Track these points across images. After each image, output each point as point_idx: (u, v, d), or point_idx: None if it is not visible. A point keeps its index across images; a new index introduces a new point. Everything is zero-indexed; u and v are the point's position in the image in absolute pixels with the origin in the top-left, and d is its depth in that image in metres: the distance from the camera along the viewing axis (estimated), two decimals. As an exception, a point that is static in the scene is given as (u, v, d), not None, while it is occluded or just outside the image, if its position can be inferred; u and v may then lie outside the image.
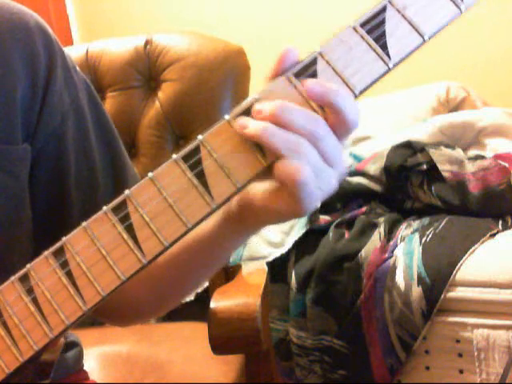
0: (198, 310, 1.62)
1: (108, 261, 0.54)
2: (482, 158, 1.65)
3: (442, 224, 1.55)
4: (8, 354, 0.55)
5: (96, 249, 0.54)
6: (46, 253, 0.55)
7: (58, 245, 0.54)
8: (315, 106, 0.53)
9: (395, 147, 1.71)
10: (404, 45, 0.53)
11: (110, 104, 1.30)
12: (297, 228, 1.66)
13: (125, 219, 0.54)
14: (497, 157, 1.67)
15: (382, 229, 1.56)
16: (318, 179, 0.53)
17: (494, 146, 1.78)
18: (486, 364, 1.40)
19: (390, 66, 0.53)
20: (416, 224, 1.58)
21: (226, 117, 0.54)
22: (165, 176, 0.53)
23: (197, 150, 0.53)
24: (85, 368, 0.87)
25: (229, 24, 2.43)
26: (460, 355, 1.44)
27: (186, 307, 1.68)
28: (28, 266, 0.55)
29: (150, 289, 0.71)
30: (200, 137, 0.53)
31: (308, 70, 0.53)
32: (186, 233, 0.54)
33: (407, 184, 1.67)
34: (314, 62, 0.53)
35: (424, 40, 0.53)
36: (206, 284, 1.66)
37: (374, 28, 0.53)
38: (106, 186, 0.73)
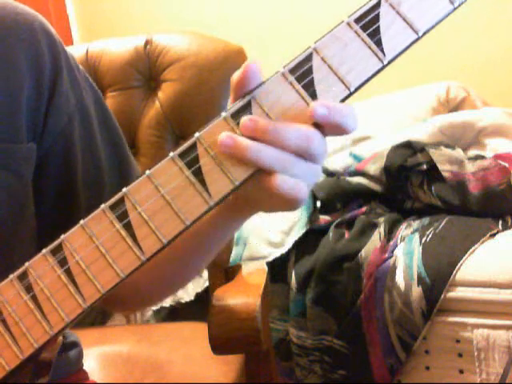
0: (198, 310, 1.62)
1: (107, 258, 0.54)
2: (482, 157, 1.65)
3: (442, 224, 1.55)
4: (8, 351, 0.55)
5: (95, 246, 0.54)
6: (44, 251, 0.55)
7: (56, 243, 0.55)
8: (310, 102, 0.53)
9: (395, 147, 1.71)
10: (398, 41, 0.53)
11: (109, 104, 1.30)
12: (297, 228, 1.66)
13: (123, 217, 0.54)
14: (497, 157, 1.67)
15: (382, 229, 1.56)
16: (306, 179, 0.54)
17: (494, 146, 1.78)
18: (486, 364, 1.40)
19: (385, 62, 0.53)
20: (416, 224, 1.58)
21: (223, 114, 0.54)
22: (162, 173, 0.53)
23: (193, 147, 0.53)
24: (84, 368, 0.87)
25: (229, 24, 2.43)
26: (460, 355, 1.44)
27: (185, 307, 1.68)
28: (26, 264, 0.55)
29: (150, 276, 0.72)
30: (197, 134, 0.54)
31: (303, 66, 0.53)
32: (184, 230, 0.54)
33: (407, 184, 1.67)
34: (309, 58, 0.53)
35: (418, 36, 0.53)
36: (206, 284, 1.66)
37: (369, 24, 0.53)
38: (112, 187, 0.74)
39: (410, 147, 1.69)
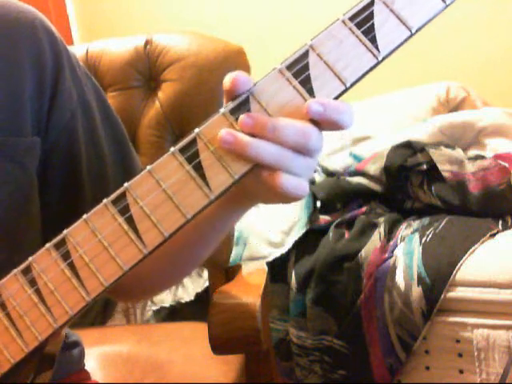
0: (198, 310, 1.62)
1: (110, 252, 0.55)
2: (482, 157, 1.65)
3: (442, 224, 1.55)
4: (13, 344, 0.56)
5: (97, 240, 0.55)
6: (47, 245, 0.56)
7: (59, 237, 0.55)
8: (307, 99, 0.54)
9: (395, 147, 1.71)
10: (392, 38, 0.54)
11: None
12: (297, 228, 1.66)
13: (125, 211, 0.55)
14: (497, 157, 1.67)
15: (382, 229, 1.56)
16: (303, 174, 0.55)
17: (494, 146, 1.78)
18: (486, 364, 1.40)
19: (380, 58, 0.54)
20: (416, 224, 1.58)
21: (222, 110, 0.55)
22: (163, 168, 0.54)
23: (193, 142, 0.54)
24: (85, 368, 0.87)
25: (229, 24, 2.43)
26: (460, 355, 1.44)
27: (185, 307, 1.68)
28: (30, 258, 0.56)
29: (152, 268, 0.72)
30: (196, 129, 0.55)
31: (300, 62, 0.54)
32: (185, 224, 0.55)
33: (407, 184, 1.67)
34: (305, 54, 0.54)
35: (412, 33, 0.54)
36: (206, 284, 1.66)
37: (363, 22, 0.54)
38: (117, 181, 0.75)
39: (409, 147, 1.69)
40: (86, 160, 0.73)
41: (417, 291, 1.43)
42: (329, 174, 1.81)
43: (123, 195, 0.55)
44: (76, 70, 0.74)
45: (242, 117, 0.54)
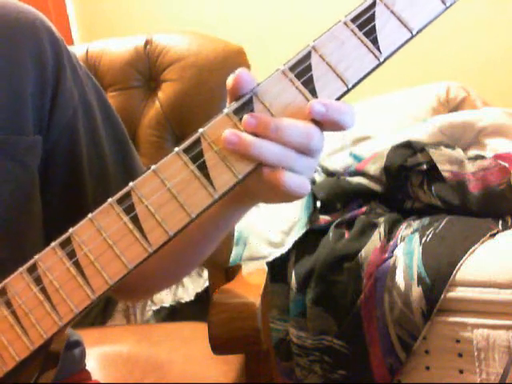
0: (198, 310, 1.62)
1: (115, 250, 0.55)
2: (482, 157, 1.65)
3: (442, 224, 1.55)
4: (18, 342, 0.56)
5: (103, 239, 0.55)
6: (53, 244, 0.56)
7: (64, 236, 0.56)
8: (309, 99, 0.55)
9: (395, 147, 1.71)
10: (394, 39, 0.55)
11: (109, 104, 1.30)
12: (297, 228, 1.66)
13: (130, 210, 0.55)
14: (497, 157, 1.67)
15: (382, 229, 1.56)
16: (305, 173, 0.56)
17: (494, 146, 1.78)
18: (486, 364, 1.40)
19: (381, 59, 0.55)
20: (416, 224, 1.58)
21: (225, 110, 0.56)
22: (167, 168, 0.55)
23: (198, 142, 0.55)
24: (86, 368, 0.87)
25: (229, 24, 2.43)
26: (460, 355, 1.44)
27: (185, 307, 1.68)
28: (36, 257, 0.56)
29: (156, 266, 0.73)
30: (201, 130, 0.55)
31: (302, 63, 0.55)
32: (189, 223, 0.55)
33: (407, 184, 1.67)
34: (308, 55, 0.55)
35: (412, 35, 0.55)
36: (206, 284, 1.66)
37: (365, 23, 0.55)
38: (118, 180, 0.75)
39: (410, 147, 1.69)
40: (87, 159, 0.74)
41: (417, 291, 1.43)
42: (329, 173, 1.81)
43: (128, 194, 0.55)
44: (77, 69, 0.75)
45: (246, 117, 0.54)
